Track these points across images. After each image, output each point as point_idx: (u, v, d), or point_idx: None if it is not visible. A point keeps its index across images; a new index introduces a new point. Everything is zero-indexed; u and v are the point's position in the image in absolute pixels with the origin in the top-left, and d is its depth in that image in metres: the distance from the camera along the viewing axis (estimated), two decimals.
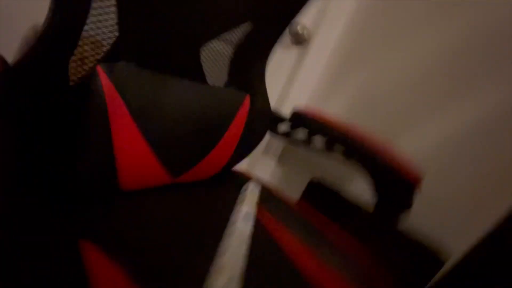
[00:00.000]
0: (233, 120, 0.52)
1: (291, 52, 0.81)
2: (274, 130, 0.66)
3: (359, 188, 0.70)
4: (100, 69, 0.32)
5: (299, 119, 0.63)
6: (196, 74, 0.51)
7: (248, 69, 0.58)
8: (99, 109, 0.33)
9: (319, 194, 0.78)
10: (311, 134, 0.63)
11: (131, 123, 0.36)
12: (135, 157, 0.38)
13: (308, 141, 0.63)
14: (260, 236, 0.41)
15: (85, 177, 0.36)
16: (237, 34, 0.55)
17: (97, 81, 0.32)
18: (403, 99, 0.73)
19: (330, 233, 0.53)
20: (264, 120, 0.62)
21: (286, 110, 0.68)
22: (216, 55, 0.55)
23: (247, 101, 0.55)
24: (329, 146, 0.59)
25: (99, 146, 0.35)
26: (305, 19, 0.78)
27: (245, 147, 0.61)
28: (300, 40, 0.78)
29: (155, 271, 0.31)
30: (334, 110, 0.81)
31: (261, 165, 0.93)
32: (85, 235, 0.34)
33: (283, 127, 0.66)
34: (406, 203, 0.49)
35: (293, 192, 0.82)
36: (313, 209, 0.67)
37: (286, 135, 0.66)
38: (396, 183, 0.50)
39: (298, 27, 0.75)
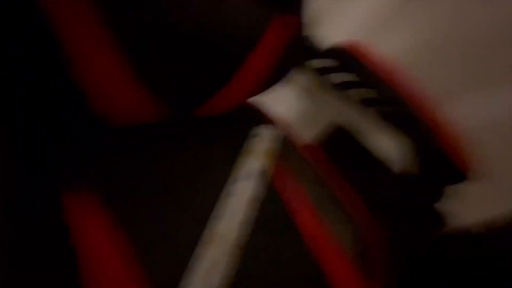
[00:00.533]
0: (259, 43, 0.40)
1: None
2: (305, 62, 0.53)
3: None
4: None
5: (337, 57, 0.49)
6: None
7: None
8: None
9: (340, 141, 0.69)
10: (347, 82, 0.50)
11: (109, 43, 0.26)
12: (117, 91, 0.30)
13: (342, 87, 0.51)
14: (266, 199, 0.36)
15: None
16: None
17: None
18: (475, 56, 0.55)
19: (342, 194, 0.48)
20: (298, 48, 0.48)
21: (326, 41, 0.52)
22: None
23: (277, 23, 0.41)
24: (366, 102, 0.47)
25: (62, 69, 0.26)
26: None
27: (272, 79, 0.49)
28: None
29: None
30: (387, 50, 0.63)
31: (279, 96, 0.82)
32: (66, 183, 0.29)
33: (317, 62, 0.53)
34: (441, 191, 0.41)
35: (310, 132, 0.74)
36: (329, 160, 0.60)
37: (319, 72, 0.53)
38: (441, 166, 0.41)
39: None
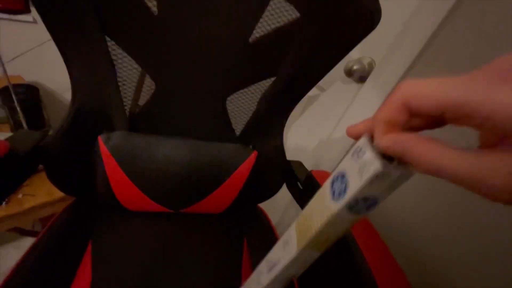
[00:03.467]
0: (234, 173, 0.55)
1: (349, 87, 0.67)
2: (290, 185, 0.62)
3: None
4: (99, 139, 0.44)
5: (311, 184, 0.57)
6: (219, 124, 0.56)
7: (267, 122, 0.56)
8: (99, 165, 0.46)
9: None
10: None
11: (123, 175, 0.48)
12: (129, 195, 0.51)
13: None
14: None
15: (101, 197, 0.52)
16: (263, 86, 0.54)
17: (97, 147, 0.44)
18: None
19: None
20: (276, 174, 0.60)
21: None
22: (241, 105, 0.57)
23: (252, 157, 0.55)
24: None
25: (103, 184, 0.49)
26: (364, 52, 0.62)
27: (255, 196, 0.64)
28: (359, 77, 0.63)
29: None
30: None
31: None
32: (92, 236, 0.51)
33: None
34: None
35: None
36: None
37: (299, 195, 0.60)
38: None
39: (352, 64, 0.61)
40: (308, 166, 0.65)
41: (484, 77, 0.14)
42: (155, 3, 0.42)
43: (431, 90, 0.15)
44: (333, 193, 0.20)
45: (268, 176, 0.60)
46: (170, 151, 0.50)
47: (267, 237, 0.62)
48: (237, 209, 0.63)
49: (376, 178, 0.16)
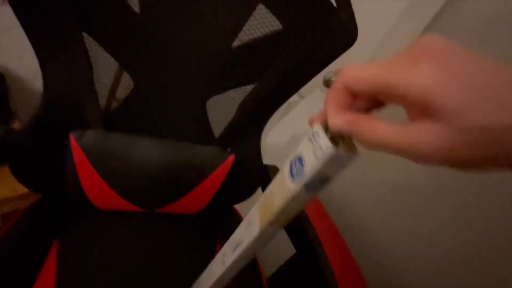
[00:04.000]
0: (210, 175, 0.56)
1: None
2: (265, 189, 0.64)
3: None
4: (71, 136, 0.43)
5: None
6: (197, 125, 0.56)
7: (245, 128, 0.57)
8: (70, 163, 0.44)
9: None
10: None
11: (95, 175, 0.46)
12: (100, 194, 0.50)
13: None
14: None
15: (70, 195, 0.51)
16: (244, 91, 0.55)
17: (69, 145, 0.43)
18: None
19: None
20: (252, 178, 0.62)
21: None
22: (220, 109, 0.57)
23: (229, 160, 0.56)
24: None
25: (73, 183, 0.47)
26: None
27: (230, 198, 0.64)
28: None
29: None
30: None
31: None
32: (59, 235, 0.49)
33: None
34: None
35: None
36: None
37: None
38: None
39: (330, 75, 0.63)
40: None
41: (405, 57, 0.16)
42: (136, 2, 0.42)
43: (364, 73, 0.17)
44: (292, 174, 0.22)
45: (244, 180, 0.61)
46: (146, 151, 0.49)
47: None
48: (212, 210, 0.64)
49: (330, 160, 0.19)
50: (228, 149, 0.59)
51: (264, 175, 0.62)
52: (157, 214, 0.58)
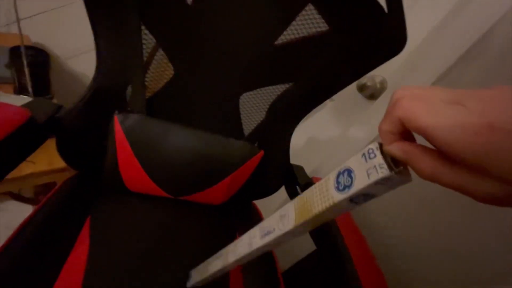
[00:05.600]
0: (238, 169, 0.57)
1: (359, 102, 0.70)
2: (289, 188, 0.64)
3: None
4: (116, 118, 0.45)
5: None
6: (229, 119, 0.57)
7: (278, 126, 0.58)
8: (111, 144, 0.46)
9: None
10: None
11: (132, 157, 0.48)
12: (134, 176, 0.52)
13: None
14: None
15: (106, 174, 0.53)
16: (279, 90, 0.55)
17: (112, 126, 0.45)
18: None
19: None
20: (277, 175, 0.62)
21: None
22: (252, 106, 0.58)
23: (258, 156, 0.57)
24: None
25: (111, 162, 0.49)
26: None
27: (254, 193, 0.66)
28: (369, 94, 0.66)
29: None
30: None
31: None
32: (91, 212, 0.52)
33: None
34: None
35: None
36: None
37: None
38: None
39: (365, 80, 0.63)
40: (307, 170, 0.67)
41: (472, 111, 0.15)
42: None
43: (417, 115, 0.17)
44: (338, 184, 0.23)
45: (270, 177, 0.62)
46: (181, 139, 0.50)
47: None
48: (234, 203, 0.65)
49: (381, 180, 0.19)
50: (256, 145, 0.60)
51: (289, 174, 0.63)
52: (182, 201, 0.60)
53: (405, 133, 0.19)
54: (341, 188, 0.22)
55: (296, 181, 0.61)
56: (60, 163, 0.65)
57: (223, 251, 0.39)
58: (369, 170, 0.20)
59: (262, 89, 0.56)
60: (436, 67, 0.59)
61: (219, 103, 0.57)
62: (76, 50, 1.18)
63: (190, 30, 0.47)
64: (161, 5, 0.42)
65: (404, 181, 0.19)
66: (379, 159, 0.19)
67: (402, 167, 0.19)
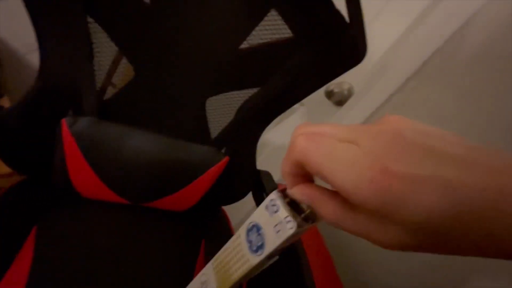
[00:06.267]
0: (202, 175, 0.55)
1: (327, 108, 0.71)
2: (256, 194, 0.64)
3: None
4: (63, 121, 0.41)
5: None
6: (195, 123, 0.55)
7: (245, 130, 0.57)
8: (59, 148, 0.43)
9: None
10: None
11: (83, 162, 0.45)
12: (86, 182, 0.48)
13: None
14: None
15: (55, 180, 0.49)
16: (246, 94, 0.54)
17: (60, 129, 0.41)
18: None
19: None
20: (244, 181, 0.61)
21: None
22: (219, 109, 0.56)
23: (223, 162, 0.55)
24: None
25: (60, 168, 0.46)
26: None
27: (220, 199, 0.64)
28: (337, 100, 0.67)
29: None
30: None
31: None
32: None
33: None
34: None
35: None
36: None
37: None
38: None
39: (332, 87, 0.64)
40: (276, 176, 0.67)
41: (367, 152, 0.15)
42: None
43: (311, 158, 0.15)
44: (250, 245, 0.21)
45: (236, 182, 0.60)
46: (139, 144, 0.48)
47: (225, 242, 0.62)
48: (199, 210, 0.63)
49: (292, 235, 0.18)
50: (223, 150, 0.59)
51: (256, 180, 0.62)
52: (142, 207, 0.57)
53: (309, 174, 0.17)
54: (254, 249, 0.21)
55: (263, 188, 0.61)
56: (6, 168, 0.59)
57: None
58: (276, 227, 0.19)
59: (229, 93, 0.55)
60: (402, 73, 0.61)
61: (184, 107, 0.55)
62: (36, 44, 1.10)
63: (149, 31, 0.44)
64: (115, 7, 0.39)
65: (315, 224, 0.18)
66: (283, 212, 0.18)
67: (309, 210, 0.18)
